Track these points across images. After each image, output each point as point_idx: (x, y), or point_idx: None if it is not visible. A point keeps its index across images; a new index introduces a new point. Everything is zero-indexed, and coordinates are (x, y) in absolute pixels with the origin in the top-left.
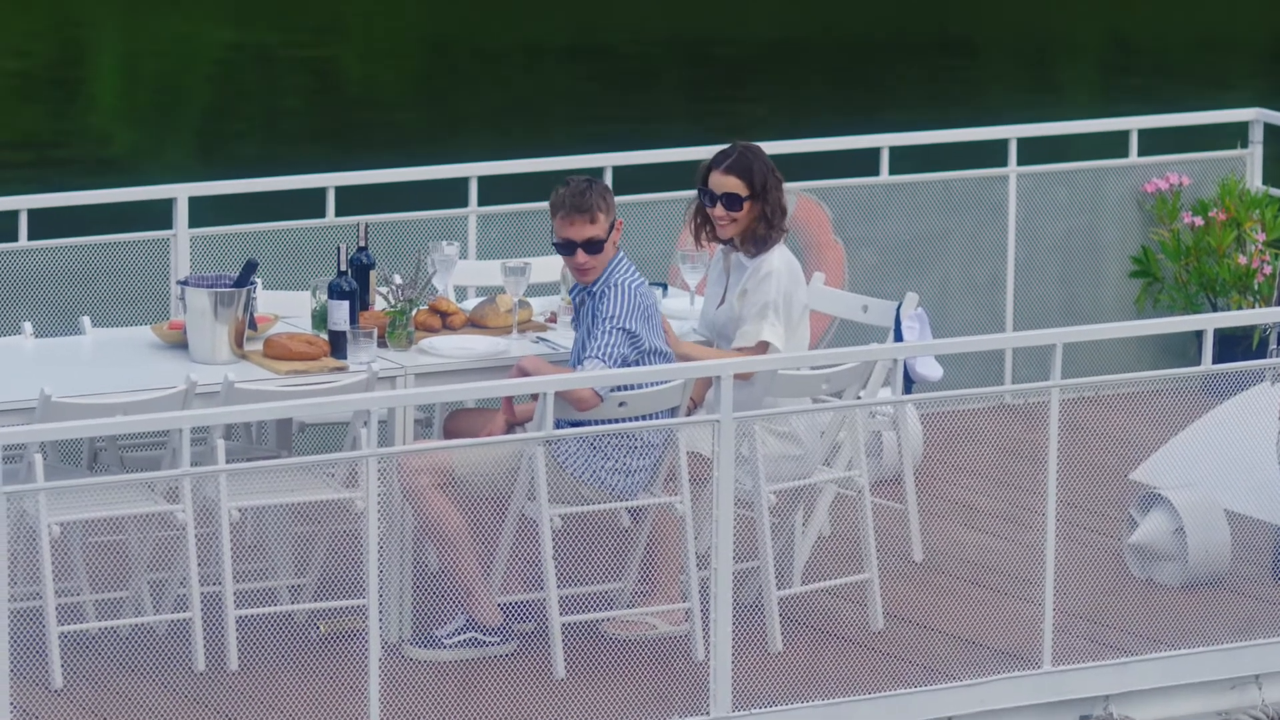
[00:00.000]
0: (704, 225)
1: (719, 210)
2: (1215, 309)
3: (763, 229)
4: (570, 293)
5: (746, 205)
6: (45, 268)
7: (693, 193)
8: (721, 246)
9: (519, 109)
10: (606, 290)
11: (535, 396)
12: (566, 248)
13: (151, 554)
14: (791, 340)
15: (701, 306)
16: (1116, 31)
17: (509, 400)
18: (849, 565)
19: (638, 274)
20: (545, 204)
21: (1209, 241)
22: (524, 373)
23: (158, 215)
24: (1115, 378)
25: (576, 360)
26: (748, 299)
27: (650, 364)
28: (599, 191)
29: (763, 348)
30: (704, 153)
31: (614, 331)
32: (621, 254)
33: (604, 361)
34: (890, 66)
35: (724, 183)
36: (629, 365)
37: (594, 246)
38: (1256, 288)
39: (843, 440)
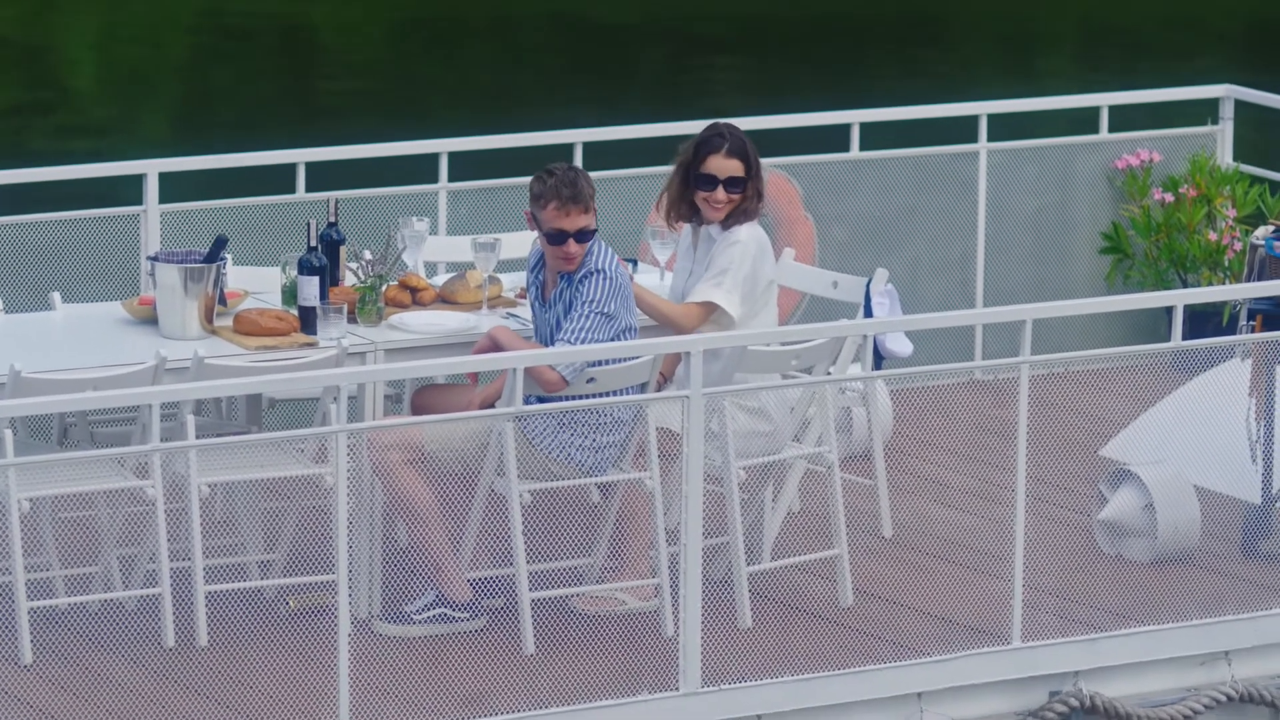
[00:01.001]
0: (683, 209)
1: (719, 194)
2: (1185, 285)
3: (753, 205)
4: (532, 271)
5: (745, 186)
6: (15, 243)
7: (664, 169)
8: (690, 222)
9: (490, 85)
10: (590, 277)
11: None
12: (558, 238)
13: (121, 529)
14: (761, 316)
15: (670, 281)
16: (1090, 9)
17: (475, 378)
18: (818, 541)
19: (613, 254)
20: (515, 179)
21: (1179, 218)
22: (494, 341)
23: (128, 191)
24: (1085, 354)
25: (545, 341)
26: (712, 263)
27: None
28: (587, 179)
29: (709, 307)
30: (674, 129)
31: (592, 316)
32: (596, 235)
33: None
34: (863, 45)
35: (727, 166)
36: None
37: (585, 236)
38: (1227, 264)
39: (812, 416)
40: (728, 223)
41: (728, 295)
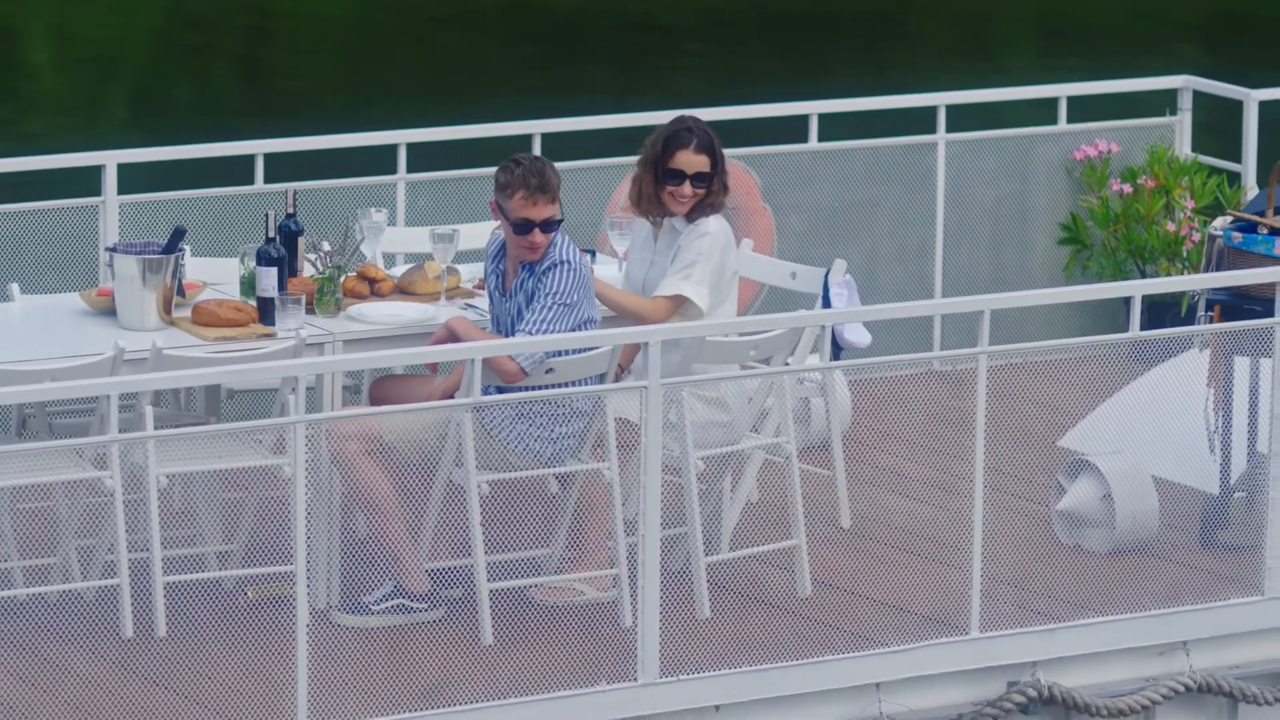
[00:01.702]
0: (656, 204)
1: (686, 188)
2: (1144, 276)
3: (718, 199)
4: (492, 260)
5: (711, 181)
6: None
7: (622, 160)
8: (644, 221)
9: (448, 75)
10: (554, 268)
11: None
12: (524, 227)
13: (80, 520)
14: (721, 307)
15: (626, 270)
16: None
17: (435, 369)
18: (777, 532)
19: (574, 245)
20: (474, 171)
21: (1138, 209)
22: (451, 332)
23: (87, 182)
24: (1044, 344)
25: (504, 330)
26: (679, 255)
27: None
28: (554, 170)
29: (678, 300)
30: (633, 120)
31: (555, 307)
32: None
33: (533, 337)
34: (823, 36)
35: (696, 161)
36: None
37: (551, 226)
38: (1185, 255)
39: (771, 407)
40: (692, 215)
41: (696, 287)
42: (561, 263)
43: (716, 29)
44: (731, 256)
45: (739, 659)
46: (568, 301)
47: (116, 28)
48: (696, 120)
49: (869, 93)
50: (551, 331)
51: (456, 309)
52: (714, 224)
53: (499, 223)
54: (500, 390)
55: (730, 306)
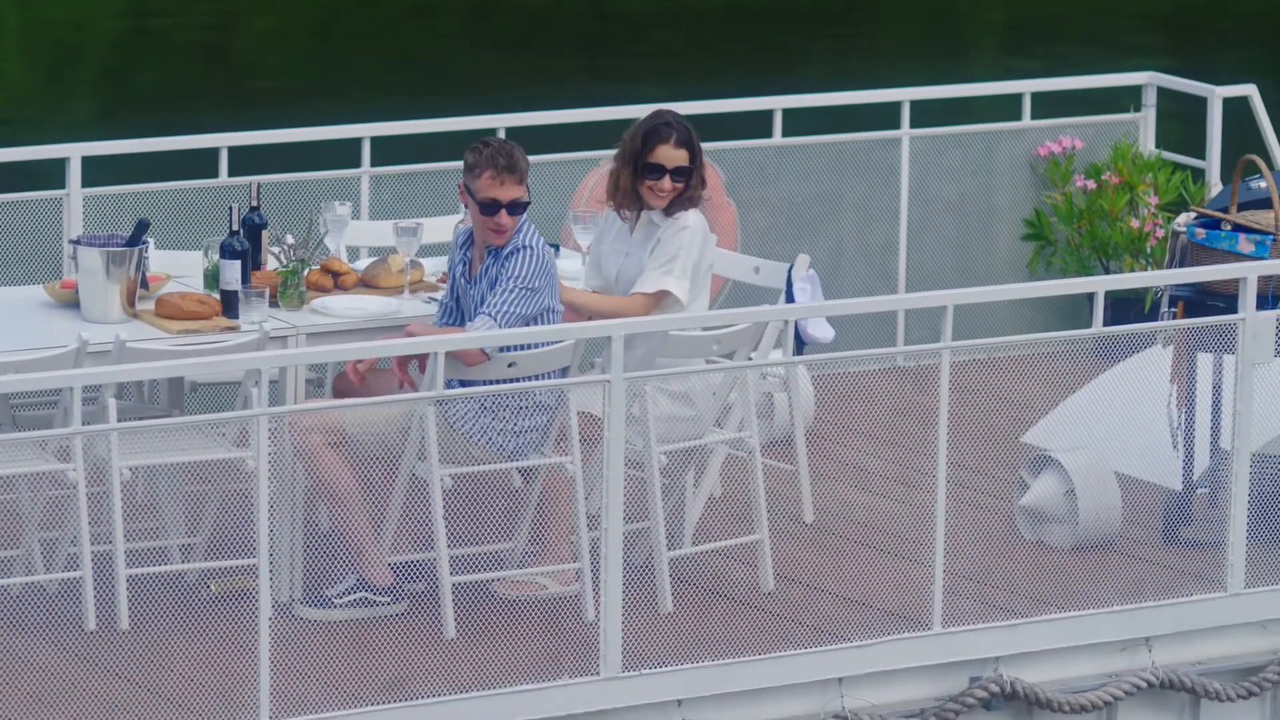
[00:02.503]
0: (633, 199)
1: (666, 183)
2: (1108, 272)
3: (697, 193)
4: (459, 248)
5: (690, 175)
6: None
7: (587, 154)
8: (615, 214)
9: (411, 68)
10: (517, 252)
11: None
12: (491, 207)
13: (42, 513)
14: (695, 302)
15: (592, 262)
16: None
17: (401, 364)
18: (739, 526)
19: (538, 232)
20: (438, 164)
21: (1102, 205)
22: (410, 337)
23: (51, 175)
24: (1007, 339)
25: (466, 315)
26: (659, 249)
27: (543, 324)
28: (523, 154)
29: (660, 296)
30: (598, 114)
31: (516, 290)
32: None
33: (494, 320)
34: (786, 31)
35: (675, 156)
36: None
37: (518, 208)
38: (1149, 251)
39: (734, 401)
40: (670, 209)
41: (679, 281)
42: (525, 248)
43: (681, 22)
44: (709, 251)
45: (701, 654)
46: (530, 286)
47: (80, 17)
48: (675, 114)
49: (833, 88)
50: (513, 312)
51: (420, 302)
52: (693, 218)
53: (465, 213)
54: (464, 384)
55: (703, 301)
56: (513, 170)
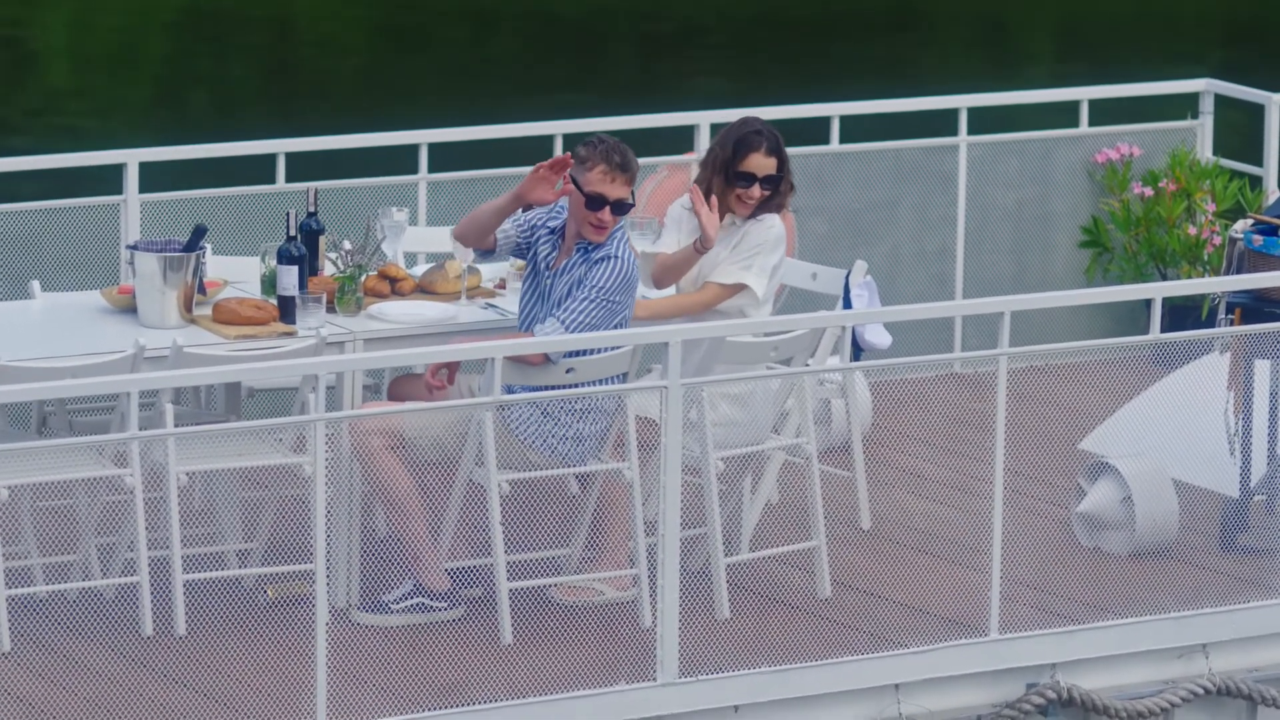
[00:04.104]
0: (723, 206)
1: (755, 191)
2: (1165, 279)
3: (785, 199)
4: (552, 234)
5: (780, 182)
6: None
7: (643, 160)
8: (687, 208)
9: (469, 76)
10: (608, 259)
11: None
12: (597, 202)
13: (100, 518)
14: (763, 307)
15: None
16: (1071, 3)
17: (434, 369)
18: (797, 532)
19: (630, 246)
20: (495, 171)
21: (1159, 212)
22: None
23: (109, 180)
24: (1064, 345)
25: (537, 313)
26: (743, 244)
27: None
28: (635, 157)
29: (738, 289)
30: (654, 121)
31: (598, 301)
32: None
33: (564, 329)
34: (842, 38)
35: (766, 164)
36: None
37: (622, 208)
38: (1206, 258)
39: (791, 407)
40: (757, 212)
41: (757, 278)
42: (615, 257)
43: (734, 29)
44: (784, 258)
45: (758, 659)
46: (611, 299)
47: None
48: (762, 121)
49: (886, 96)
50: (586, 324)
51: (477, 308)
52: (778, 221)
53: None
54: (522, 390)
55: (769, 308)
56: (625, 169)
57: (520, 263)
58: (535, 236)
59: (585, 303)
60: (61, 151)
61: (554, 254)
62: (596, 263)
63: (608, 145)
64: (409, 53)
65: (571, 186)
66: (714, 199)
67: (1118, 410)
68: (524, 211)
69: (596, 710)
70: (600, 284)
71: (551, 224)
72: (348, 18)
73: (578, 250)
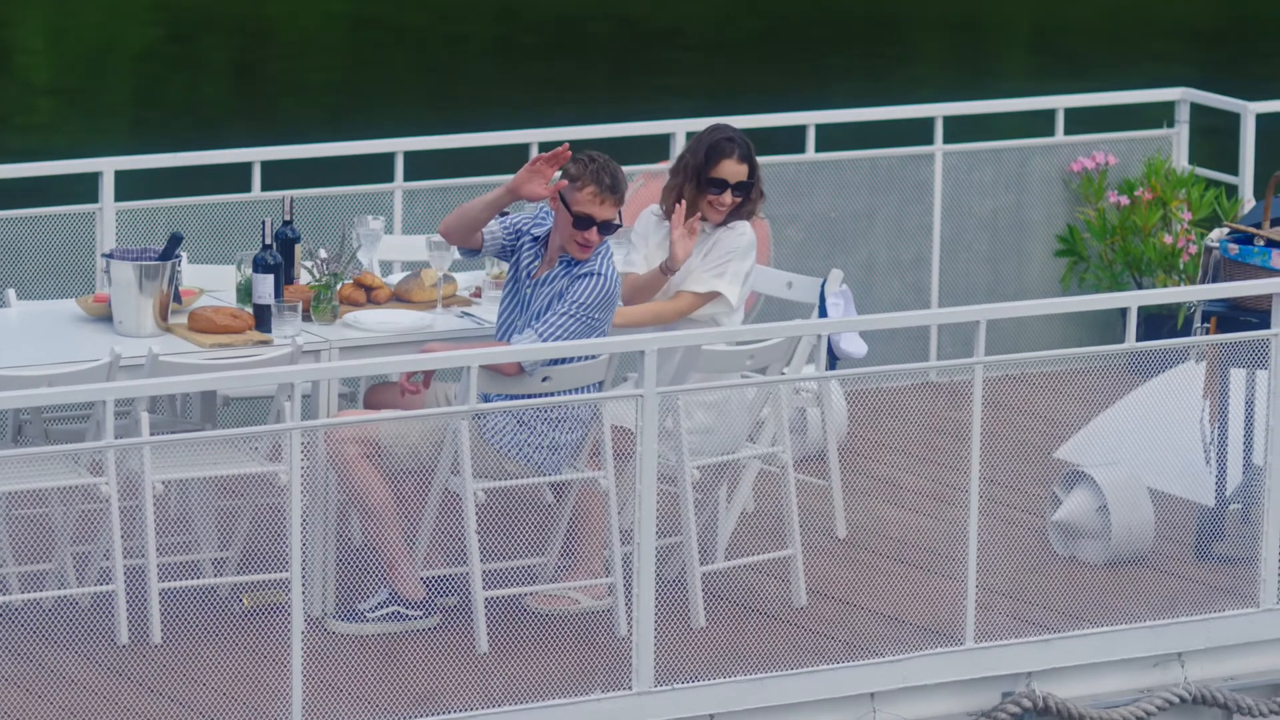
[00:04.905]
0: (688, 210)
1: (727, 197)
2: (1141, 288)
3: (755, 205)
4: (536, 241)
5: (750, 190)
6: None
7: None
8: (658, 216)
9: (444, 84)
10: (591, 275)
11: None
12: (585, 222)
13: (75, 526)
14: (734, 314)
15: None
16: (1045, 11)
17: (406, 375)
18: (772, 541)
19: (613, 263)
20: (470, 179)
21: (1135, 220)
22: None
23: (84, 189)
24: (1040, 354)
25: (516, 322)
26: (715, 251)
27: None
28: (624, 175)
29: (711, 296)
30: (629, 130)
31: (577, 316)
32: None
33: (540, 341)
34: (817, 47)
35: (738, 171)
36: None
37: (609, 229)
38: (1182, 267)
39: (767, 416)
40: (728, 219)
41: (730, 285)
42: (598, 274)
43: (710, 37)
44: (754, 264)
45: (734, 668)
46: (590, 316)
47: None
48: (733, 128)
49: (863, 104)
50: (562, 339)
51: (453, 317)
52: (749, 228)
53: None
54: (498, 399)
55: (738, 315)
56: (615, 191)
57: (497, 271)
58: (520, 242)
59: (564, 317)
60: (36, 160)
61: (536, 263)
62: (579, 278)
63: (599, 165)
64: (382, 60)
65: (565, 184)
66: (682, 204)
67: (1093, 419)
68: (507, 215)
69: (572, 719)
70: (581, 300)
71: (535, 232)
72: (323, 27)
73: (561, 263)
